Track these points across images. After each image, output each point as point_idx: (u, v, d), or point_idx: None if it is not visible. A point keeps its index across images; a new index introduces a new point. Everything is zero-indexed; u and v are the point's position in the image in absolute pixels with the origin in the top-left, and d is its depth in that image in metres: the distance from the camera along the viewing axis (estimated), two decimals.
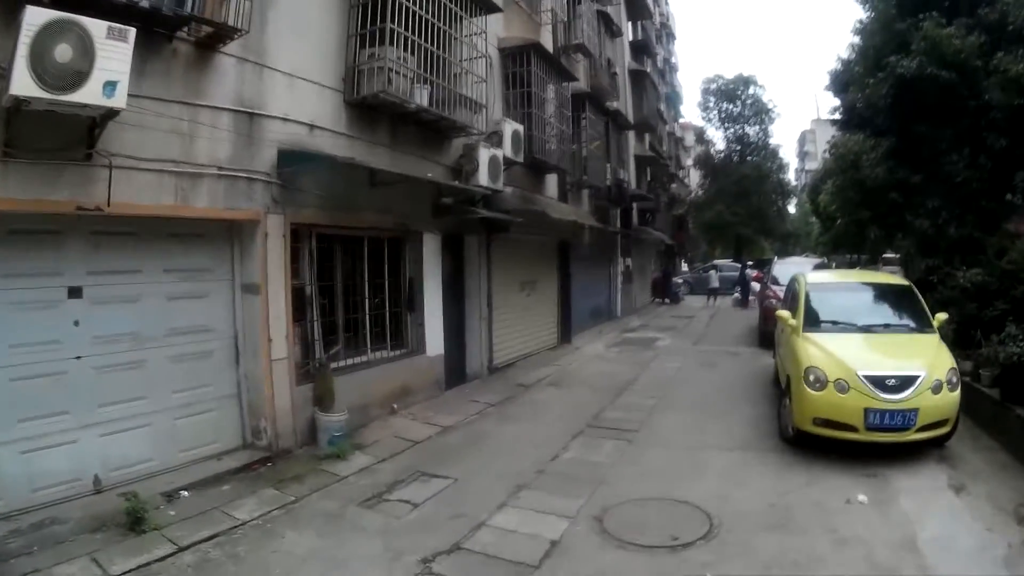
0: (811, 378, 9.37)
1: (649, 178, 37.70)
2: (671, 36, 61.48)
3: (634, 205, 32.96)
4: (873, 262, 42.30)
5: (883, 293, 12.03)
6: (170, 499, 7.89)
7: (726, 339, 22.55)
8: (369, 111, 11.23)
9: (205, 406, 9.15)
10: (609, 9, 27.11)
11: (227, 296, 9.52)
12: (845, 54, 20.83)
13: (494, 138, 14.21)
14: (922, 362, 9.39)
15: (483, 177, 13.18)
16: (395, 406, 11.99)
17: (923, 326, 10.69)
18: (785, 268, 23.29)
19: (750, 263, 46.95)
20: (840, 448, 9.14)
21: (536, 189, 18.03)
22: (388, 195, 11.35)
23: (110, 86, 6.46)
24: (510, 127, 14.63)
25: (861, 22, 19.23)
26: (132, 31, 6.62)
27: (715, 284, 38.35)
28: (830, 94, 22.45)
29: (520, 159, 15.11)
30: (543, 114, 17.29)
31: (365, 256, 11.95)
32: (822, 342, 10.11)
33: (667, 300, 39.36)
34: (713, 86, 62.06)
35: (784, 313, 11.73)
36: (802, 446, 9.57)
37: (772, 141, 64.73)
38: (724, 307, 35.70)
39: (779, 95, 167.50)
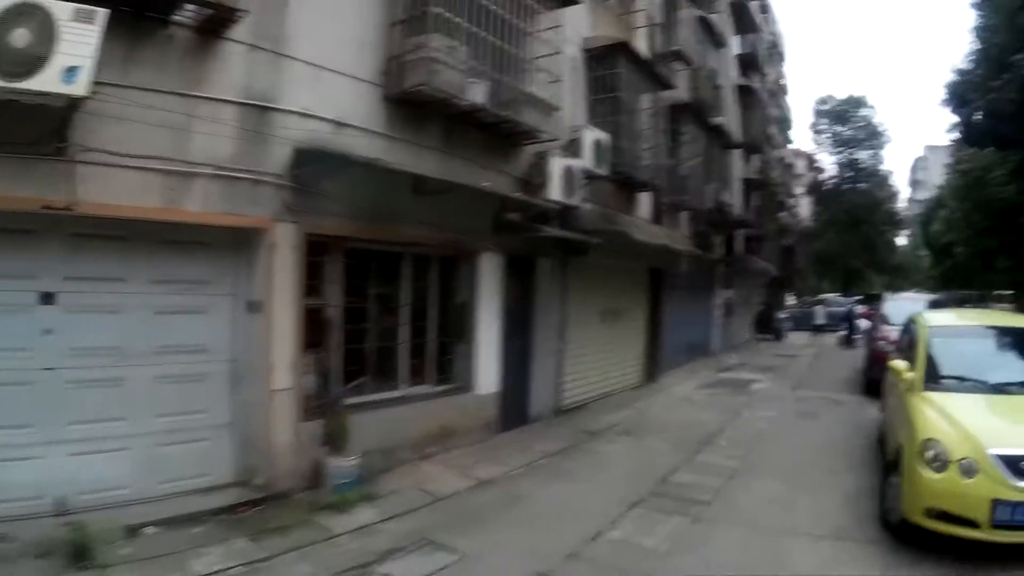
0: (930, 455, 7.23)
1: (756, 203, 35.64)
2: (781, 57, 59.49)
3: (738, 232, 30.97)
4: (984, 299, 39.95)
5: (1020, 341, 9.81)
6: (133, 534, 6.96)
7: (829, 384, 20.50)
8: (414, 109, 9.83)
9: (195, 434, 8.16)
10: (713, 17, 25.22)
11: (228, 313, 8.40)
12: (963, 64, 19.01)
13: (572, 147, 12.71)
14: None
15: (555, 191, 11.65)
16: (431, 450, 10.47)
17: None
18: (897, 306, 21.23)
19: (858, 298, 44.93)
20: (953, 545, 7.08)
21: (625, 208, 16.31)
22: (438, 207, 9.95)
23: (70, 72, 5.78)
24: (591, 135, 13.01)
25: (979, 18, 17.23)
26: (101, 12, 5.86)
27: (820, 320, 36.87)
28: (947, 111, 20.40)
29: (603, 172, 13.46)
30: (633, 124, 15.63)
31: (407, 276, 10.54)
32: (945, 405, 7.99)
33: (770, 336, 37.20)
34: (825, 107, 60.16)
35: (899, 364, 9.52)
36: (907, 539, 7.53)
37: (883, 167, 62.44)
38: (829, 345, 34.02)
39: (890, 120, 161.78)
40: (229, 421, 8.39)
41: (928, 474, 7.12)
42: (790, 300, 59.42)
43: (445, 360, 11.30)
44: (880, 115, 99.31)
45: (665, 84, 17.53)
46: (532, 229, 11.66)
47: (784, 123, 59.35)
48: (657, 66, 17.53)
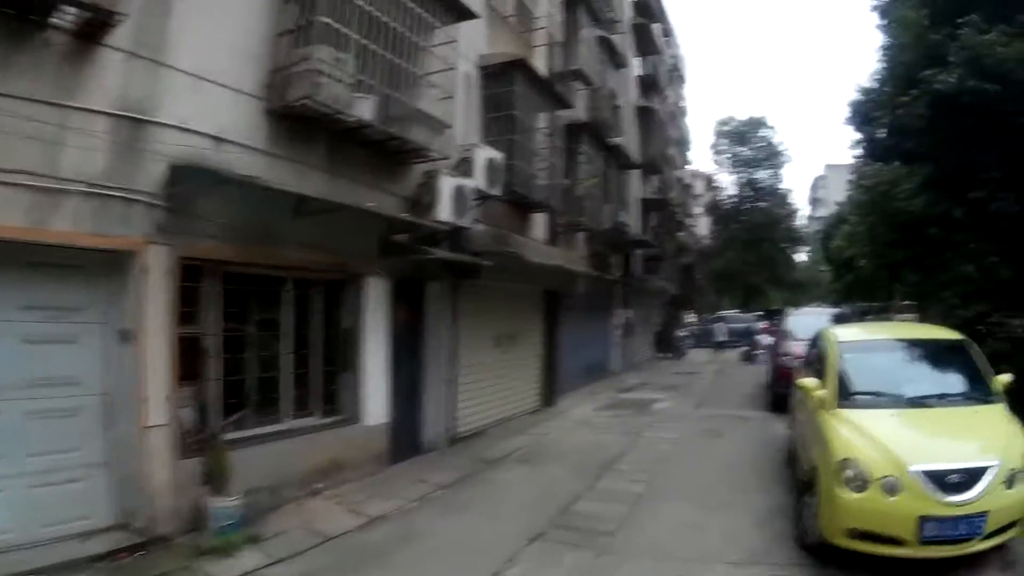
0: (849, 474, 7.10)
1: (654, 223, 36.00)
2: (681, 79, 60.94)
3: (637, 251, 31.32)
4: (886, 311, 40.94)
5: (933, 352, 9.67)
6: None
7: (733, 400, 20.65)
8: (299, 125, 9.49)
9: (69, 475, 7.54)
10: (614, 38, 25.47)
11: (99, 343, 7.80)
12: (867, 83, 19.45)
13: (464, 166, 12.55)
14: (992, 445, 7.30)
15: (444, 211, 11.43)
16: (319, 486, 10.07)
17: (985, 394, 8.54)
18: (800, 320, 21.21)
19: (759, 314, 45.84)
20: (874, 563, 7.00)
21: (519, 229, 16.21)
22: (321, 228, 9.63)
23: None
24: (484, 154, 12.86)
25: (886, 37, 17.54)
26: None
27: (721, 337, 37.13)
28: (850, 129, 20.86)
29: (496, 192, 13.31)
30: (529, 143, 15.52)
31: (290, 302, 10.10)
32: (861, 422, 7.85)
33: (671, 354, 37.56)
34: (725, 128, 61.14)
35: (808, 381, 9.27)
36: (826, 560, 7.41)
37: (783, 186, 63.76)
38: (731, 362, 34.45)
39: (790, 140, 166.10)
40: (104, 460, 7.83)
41: (848, 495, 7.03)
42: (691, 318, 60.27)
43: (332, 390, 10.89)
44: (780, 135, 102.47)
45: (563, 103, 17.48)
46: (419, 251, 11.38)
47: (683, 144, 60.44)
48: (555, 85, 17.49)
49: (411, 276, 12.20)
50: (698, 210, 69.20)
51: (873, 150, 18.76)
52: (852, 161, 24.63)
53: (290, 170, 9.36)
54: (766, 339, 30.87)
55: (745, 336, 36.07)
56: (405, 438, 12.32)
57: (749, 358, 33.59)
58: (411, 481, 10.96)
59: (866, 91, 19.22)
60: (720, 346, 37.30)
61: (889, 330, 12.55)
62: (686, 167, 64.18)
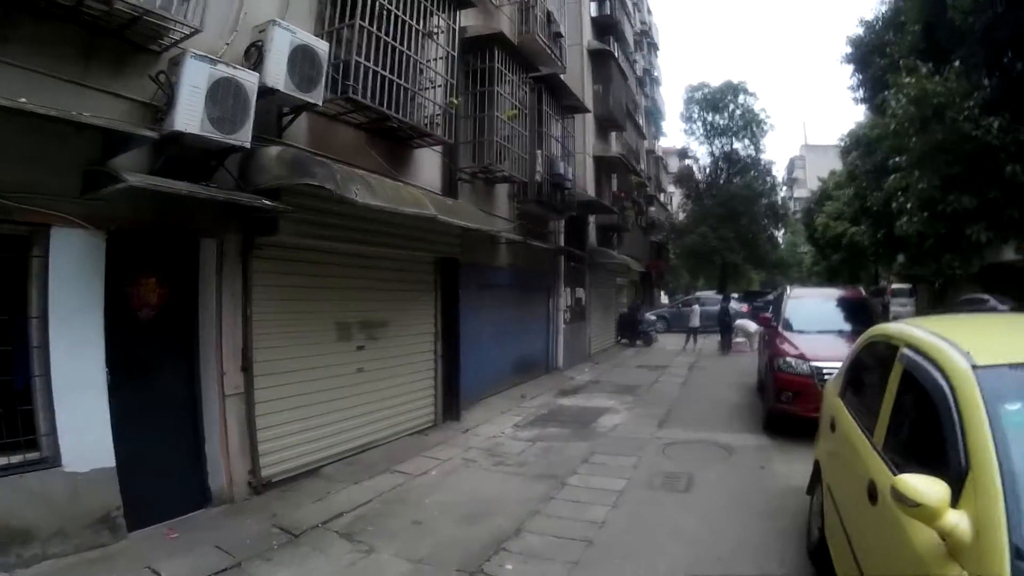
0: None
1: (615, 189, 31.99)
2: (654, 47, 59.32)
3: (590, 218, 27.45)
4: (878, 294, 37.59)
5: None
6: None
7: (710, 413, 15.46)
8: None
9: None
10: None
11: None
12: (870, 16, 17.98)
13: (255, 55, 8.27)
14: None
15: (186, 116, 7.11)
16: None
17: None
18: (804, 305, 15.90)
19: (735, 295, 42.78)
20: None
21: (392, 171, 11.66)
22: None
23: None
24: (287, 38, 8.41)
25: None
26: None
27: (696, 322, 33.46)
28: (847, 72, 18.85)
29: (314, 100, 8.85)
30: (402, 44, 10.98)
31: None
32: None
33: (638, 342, 34.34)
34: (698, 94, 57.43)
35: (921, 486, 3.21)
36: None
37: (764, 157, 60.25)
38: (707, 352, 30.76)
39: (775, 112, 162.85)
40: None
41: None
42: (664, 299, 57.45)
43: (11, 415, 6.57)
44: (762, 103, 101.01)
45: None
46: (116, 180, 6.72)
47: (655, 115, 57.48)
48: None
49: (158, 228, 7.91)
50: (671, 188, 66.27)
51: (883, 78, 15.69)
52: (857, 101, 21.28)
53: None
54: (750, 325, 28.12)
55: (723, 321, 31.80)
56: (166, 487, 8.14)
57: (728, 347, 30.53)
58: (135, 567, 6.71)
59: (869, 24, 17.87)
60: (694, 333, 33.25)
61: None
62: (658, 139, 61.36)
